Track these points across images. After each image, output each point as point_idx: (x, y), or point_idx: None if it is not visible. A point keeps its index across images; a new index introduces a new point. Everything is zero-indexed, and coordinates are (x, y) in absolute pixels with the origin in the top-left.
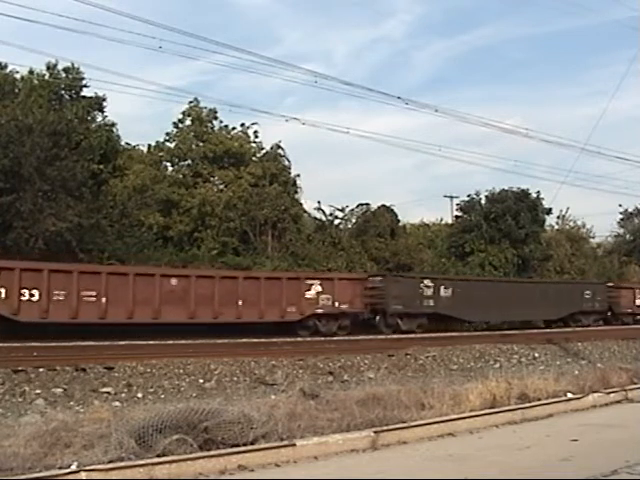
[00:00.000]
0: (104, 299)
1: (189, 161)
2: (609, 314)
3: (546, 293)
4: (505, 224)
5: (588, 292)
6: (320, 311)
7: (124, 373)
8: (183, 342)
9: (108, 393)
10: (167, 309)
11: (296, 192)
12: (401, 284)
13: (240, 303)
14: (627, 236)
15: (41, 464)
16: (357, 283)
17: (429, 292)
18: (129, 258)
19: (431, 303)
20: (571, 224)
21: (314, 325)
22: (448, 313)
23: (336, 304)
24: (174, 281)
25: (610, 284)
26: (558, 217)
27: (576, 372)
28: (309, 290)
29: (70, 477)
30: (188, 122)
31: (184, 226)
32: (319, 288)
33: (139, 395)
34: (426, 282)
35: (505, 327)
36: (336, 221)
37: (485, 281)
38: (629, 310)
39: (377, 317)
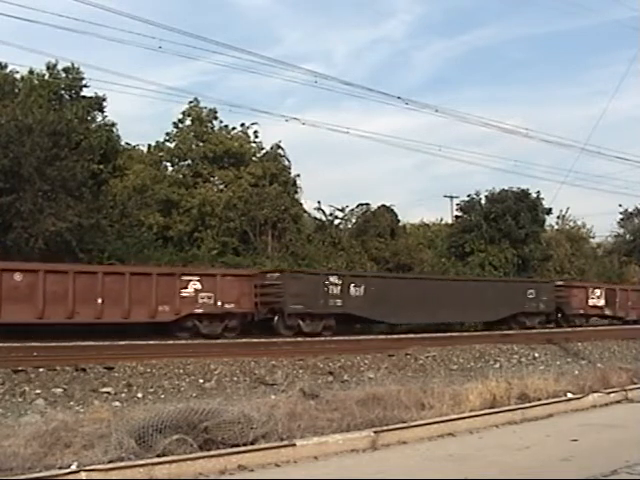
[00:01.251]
0: None
1: (189, 161)
2: (559, 316)
3: (481, 292)
4: (505, 224)
5: (531, 291)
6: (199, 311)
7: (124, 373)
8: (183, 342)
9: (108, 393)
10: (9, 308)
11: (296, 192)
12: (301, 281)
13: (100, 301)
14: (627, 236)
15: (41, 464)
16: (245, 280)
17: (336, 290)
18: (129, 258)
19: (339, 303)
20: (571, 224)
21: (194, 326)
22: (360, 314)
23: (219, 303)
24: (18, 276)
25: (559, 283)
26: (558, 217)
27: (576, 372)
28: (186, 287)
29: (70, 477)
30: (188, 122)
31: (184, 226)
32: (198, 285)
33: (139, 395)
34: (332, 279)
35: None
36: (336, 221)
37: (405, 278)
38: (581, 311)
39: (276, 318)
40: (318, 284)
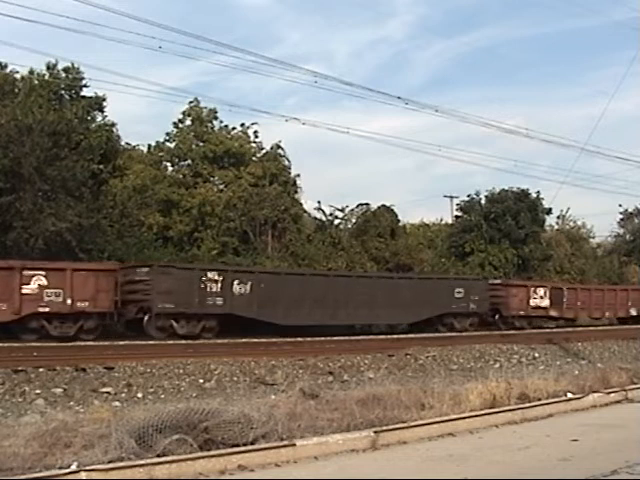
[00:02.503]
0: None
1: (189, 161)
2: (497, 317)
3: (396, 290)
4: (505, 224)
5: (459, 290)
6: (45, 310)
7: (124, 373)
8: (183, 342)
9: (108, 393)
10: None
11: (296, 192)
12: (172, 277)
13: None
14: (627, 236)
15: (41, 464)
16: (103, 275)
17: (216, 288)
18: (129, 258)
19: (219, 302)
20: (571, 224)
21: (42, 328)
22: (245, 314)
23: (69, 301)
24: None
25: (496, 281)
26: (558, 217)
27: (576, 372)
28: (28, 283)
29: (70, 477)
30: (188, 122)
31: (184, 226)
32: (43, 281)
33: (139, 395)
34: (210, 275)
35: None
36: (336, 221)
37: (302, 275)
38: (521, 312)
39: (146, 318)
40: (192, 280)
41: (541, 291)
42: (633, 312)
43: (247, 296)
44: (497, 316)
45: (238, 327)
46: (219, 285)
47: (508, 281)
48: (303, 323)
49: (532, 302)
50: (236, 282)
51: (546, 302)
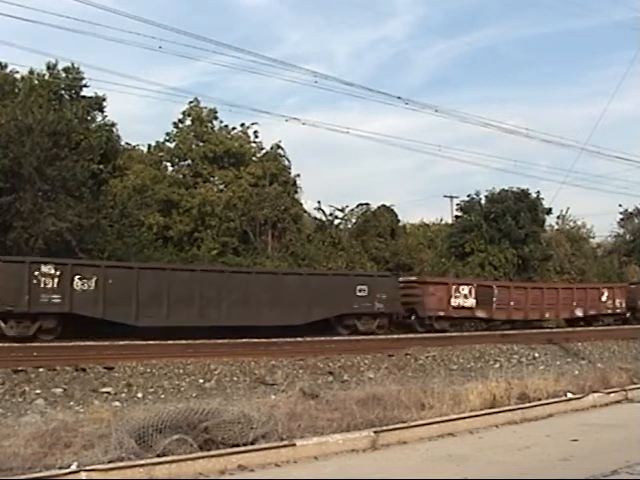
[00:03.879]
0: None
1: (189, 161)
2: (412, 317)
3: (285, 288)
4: (505, 224)
5: (362, 287)
6: None
7: (124, 373)
8: (183, 342)
9: (108, 393)
10: None
11: (296, 192)
12: None
13: None
14: (627, 236)
15: (41, 464)
16: None
17: (52, 284)
18: (129, 258)
19: (57, 299)
20: (571, 224)
21: None
22: (90, 314)
23: None
24: None
25: (410, 278)
26: (558, 217)
27: (576, 372)
28: None
29: (70, 477)
30: (188, 122)
31: (184, 226)
32: None
33: (139, 395)
34: (45, 269)
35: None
36: (336, 221)
37: (163, 269)
38: (441, 313)
39: None
40: (20, 275)
41: (465, 289)
42: (579, 313)
43: (91, 293)
44: (413, 317)
45: (92, 329)
46: (56, 281)
47: (424, 278)
48: (162, 324)
49: (454, 301)
50: (77, 277)
51: (471, 302)
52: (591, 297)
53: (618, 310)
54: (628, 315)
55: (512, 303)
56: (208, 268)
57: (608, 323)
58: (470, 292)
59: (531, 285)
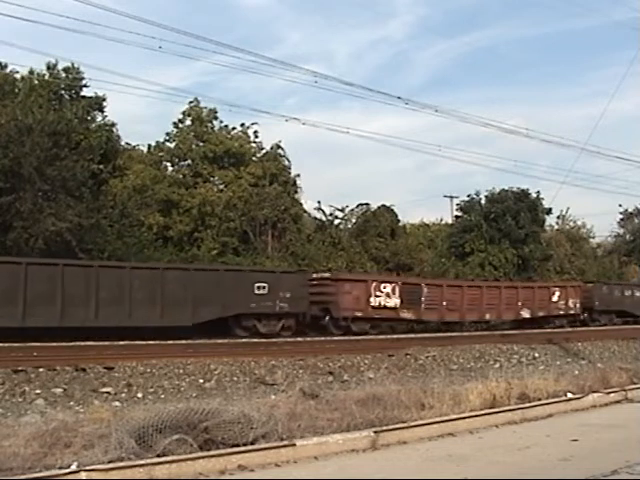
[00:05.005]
0: None
1: (189, 161)
2: (327, 318)
3: (165, 285)
4: (505, 224)
5: (262, 285)
6: None
7: (124, 373)
8: (183, 342)
9: (108, 393)
10: None
11: (296, 192)
12: None
13: None
14: (627, 236)
15: (41, 464)
16: None
17: None
18: (129, 258)
19: None
20: (571, 224)
21: None
22: None
23: None
24: None
25: (323, 274)
26: (558, 217)
27: (576, 372)
28: None
29: (70, 477)
30: (188, 122)
31: (184, 226)
32: None
33: (139, 395)
34: None
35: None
36: (336, 221)
37: (17, 263)
38: (358, 313)
39: None
40: None
41: (388, 287)
42: (525, 314)
43: None
44: (327, 318)
45: None
46: None
47: (339, 275)
48: (15, 325)
49: (374, 301)
50: None
51: (395, 301)
52: (540, 297)
53: (572, 311)
54: (585, 316)
55: (445, 303)
56: (70, 262)
57: (561, 325)
58: (393, 291)
59: (467, 283)
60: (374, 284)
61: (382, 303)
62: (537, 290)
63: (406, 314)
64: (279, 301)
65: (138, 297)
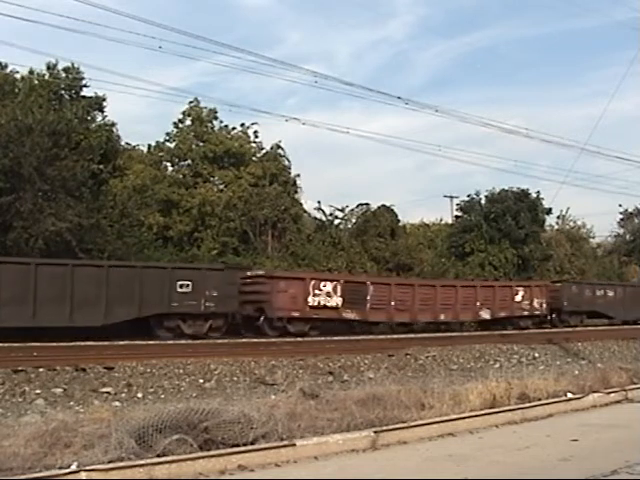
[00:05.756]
0: None
1: (189, 161)
2: (262, 318)
3: (73, 282)
4: (505, 224)
5: (186, 282)
6: None
7: (124, 373)
8: (183, 342)
9: (108, 393)
10: None
11: (296, 192)
12: None
13: None
14: (627, 236)
15: (41, 464)
16: None
17: None
18: (129, 258)
19: None
20: (571, 224)
21: None
22: None
23: None
24: None
25: (258, 272)
26: (558, 217)
27: (576, 372)
28: None
29: (70, 477)
30: (188, 122)
31: (184, 226)
32: None
33: (139, 395)
34: None
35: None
36: (336, 221)
37: None
38: (295, 313)
39: None
40: None
41: (328, 286)
42: (485, 315)
43: None
44: (262, 318)
45: None
46: None
47: (273, 272)
48: None
49: (312, 300)
50: None
51: (336, 300)
52: (501, 297)
53: (537, 312)
54: (553, 317)
55: (393, 303)
56: None
57: (526, 326)
58: (335, 289)
59: (419, 282)
60: (312, 282)
61: (322, 302)
62: (498, 289)
63: (349, 314)
64: (205, 300)
65: (44, 296)
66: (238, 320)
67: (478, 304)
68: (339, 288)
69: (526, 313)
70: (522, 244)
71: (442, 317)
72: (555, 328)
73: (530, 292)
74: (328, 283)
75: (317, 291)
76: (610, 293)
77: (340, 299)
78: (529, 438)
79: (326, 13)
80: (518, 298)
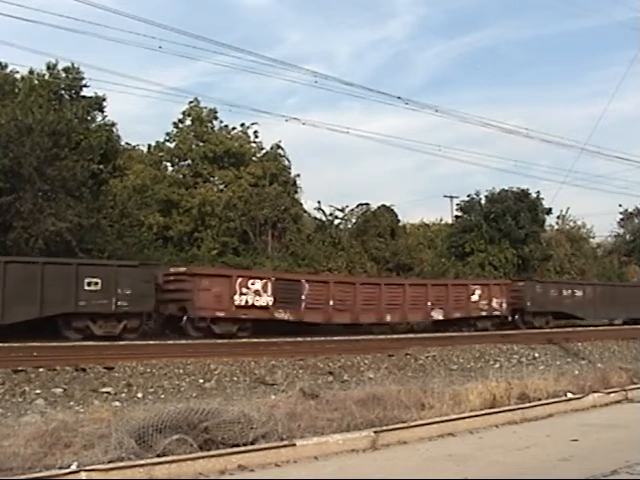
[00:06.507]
0: None
1: (189, 161)
2: (184, 319)
3: None
4: (505, 224)
5: (94, 280)
6: None
7: (124, 373)
8: (183, 342)
9: (108, 393)
10: None
11: (296, 192)
12: None
13: None
14: (627, 236)
15: (41, 464)
16: None
17: None
18: (129, 258)
19: None
20: (571, 224)
21: None
22: None
23: None
24: None
25: (180, 269)
26: (558, 217)
27: (576, 372)
28: None
29: (70, 477)
30: (188, 122)
31: (184, 226)
32: None
33: (139, 395)
34: None
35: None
36: (336, 221)
37: None
38: (220, 313)
39: None
40: None
41: (257, 284)
42: (437, 316)
43: None
44: (185, 318)
45: None
46: None
47: (196, 269)
48: None
49: (239, 299)
50: None
51: (267, 300)
52: (455, 296)
53: (497, 312)
54: (516, 318)
55: (332, 302)
56: None
57: (484, 328)
58: (265, 288)
59: (361, 280)
60: (239, 280)
61: (250, 302)
62: (452, 288)
63: (282, 314)
64: (117, 299)
65: None
66: (154, 320)
67: (429, 304)
68: (270, 286)
69: (484, 313)
70: (522, 244)
71: (388, 318)
72: (518, 330)
73: (488, 291)
74: (257, 281)
75: (244, 289)
76: (578, 293)
77: (271, 298)
78: (529, 438)
79: (326, 13)
80: (475, 297)
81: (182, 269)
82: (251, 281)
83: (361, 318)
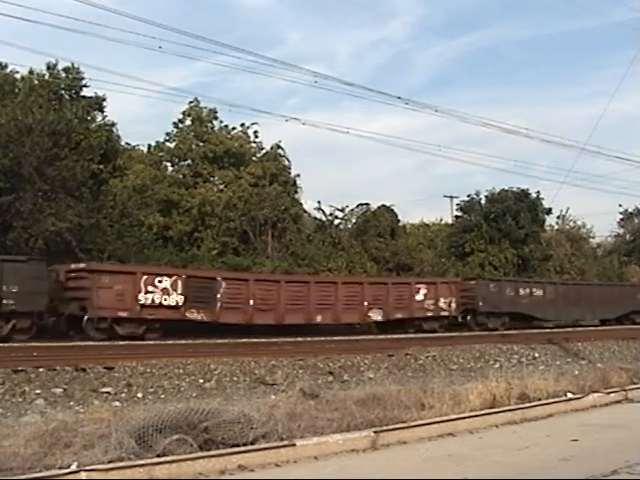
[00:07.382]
0: None
1: (189, 161)
2: (85, 319)
3: None
4: (505, 224)
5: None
6: None
7: (124, 373)
8: (183, 342)
9: (108, 393)
10: None
11: (296, 192)
12: None
13: None
14: (627, 236)
15: (41, 464)
16: None
17: None
18: (129, 258)
19: None
20: (571, 224)
21: None
22: None
23: None
24: None
25: (79, 265)
26: (558, 217)
27: (576, 372)
28: None
29: (70, 477)
30: (188, 122)
31: (184, 226)
32: None
33: (139, 395)
34: None
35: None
36: (336, 221)
37: None
38: (123, 313)
39: None
40: None
41: (165, 282)
42: (375, 316)
43: None
44: (86, 318)
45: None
46: None
47: (96, 265)
48: None
49: (145, 298)
50: None
51: (177, 299)
52: (397, 295)
53: (445, 312)
54: (468, 318)
55: (252, 302)
56: None
57: (432, 329)
58: (174, 286)
59: (286, 278)
60: (145, 277)
61: (157, 301)
62: (392, 287)
63: (195, 315)
64: (3, 297)
65: None
66: (47, 320)
67: (366, 304)
68: (180, 284)
69: (430, 314)
70: (522, 244)
71: (319, 319)
72: (472, 331)
73: (435, 290)
74: (165, 278)
75: (151, 287)
76: (538, 292)
77: (181, 297)
78: (529, 438)
79: (326, 13)
80: (419, 297)
81: (82, 265)
82: (158, 279)
83: (287, 319)
